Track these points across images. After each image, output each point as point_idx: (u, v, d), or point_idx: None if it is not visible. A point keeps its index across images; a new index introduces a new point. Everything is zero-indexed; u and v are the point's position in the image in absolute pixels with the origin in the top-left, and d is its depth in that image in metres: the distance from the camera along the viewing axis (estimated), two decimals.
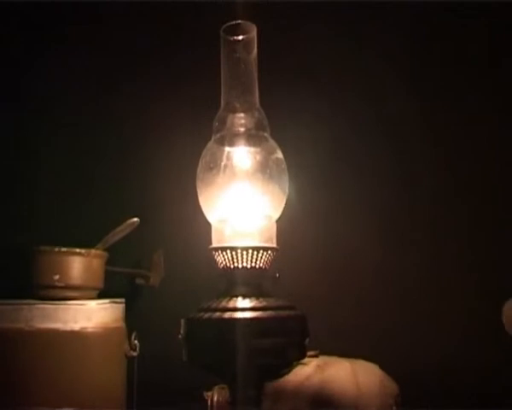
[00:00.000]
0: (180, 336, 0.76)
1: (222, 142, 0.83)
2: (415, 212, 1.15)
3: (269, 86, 0.87)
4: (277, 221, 0.83)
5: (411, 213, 1.15)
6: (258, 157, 0.83)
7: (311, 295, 1.00)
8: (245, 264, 0.80)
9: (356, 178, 1.16)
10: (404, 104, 1.18)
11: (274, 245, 0.82)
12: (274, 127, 0.86)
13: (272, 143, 0.85)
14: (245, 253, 0.79)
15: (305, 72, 1.20)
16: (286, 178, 0.84)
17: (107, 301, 0.93)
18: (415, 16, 1.19)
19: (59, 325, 0.86)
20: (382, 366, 0.91)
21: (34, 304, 0.86)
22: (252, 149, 0.83)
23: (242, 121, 0.84)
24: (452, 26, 1.19)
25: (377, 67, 1.19)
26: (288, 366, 0.79)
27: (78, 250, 0.92)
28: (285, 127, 0.95)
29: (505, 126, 1.15)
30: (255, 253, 0.79)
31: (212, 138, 0.84)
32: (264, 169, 0.82)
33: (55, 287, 0.89)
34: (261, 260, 0.81)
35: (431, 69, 1.20)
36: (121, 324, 0.95)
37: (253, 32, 0.83)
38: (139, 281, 1.11)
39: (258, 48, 0.84)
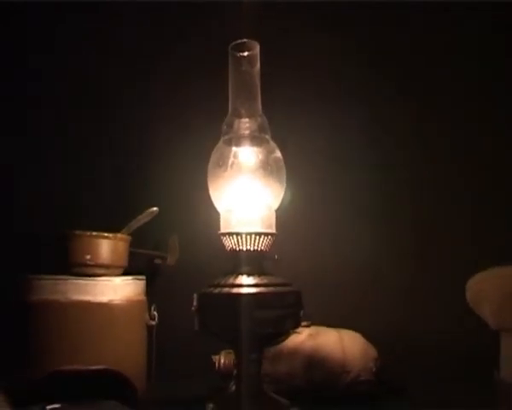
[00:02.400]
0: (193, 308, 0.86)
1: (229, 142, 0.94)
2: (402, 197, 1.25)
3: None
4: (276, 211, 0.94)
5: (399, 199, 1.25)
6: (260, 156, 0.94)
7: (305, 274, 1.09)
8: (248, 247, 0.91)
9: (348, 173, 1.26)
10: (397, 104, 1.27)
11: (273, 231, 0.93)
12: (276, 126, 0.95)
13: (272, 144, 0.96)
14: (248, 237, 0.90)
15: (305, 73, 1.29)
16: (284, 173, 0.95)
17: (130, 277, 1.02)
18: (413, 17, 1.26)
19: (89, 298, 0.95)
20: (365, 335, 1.03)
21: (69, 279, 0.96)
22: (255, 149, 0.94)
23: (247, 125, 0.94)
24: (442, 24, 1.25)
25: (373, 73, 1.27)
26: (285, 334, 0.90)
27: (106, 234, 1.01)
28: (285, 127, 1.05)
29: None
30: (257, 237, 0.91)
31: (221, 139, 0.95)
32: (266, 166, 0.93)
33: (86, 265, 0.98)
34: (262, 244, 0.92)
35: (426, 72, 1.27)
36: (142, 297, 1.04)
37: (257, 49, 0.93)
38: (157, 261, 1.19)
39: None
